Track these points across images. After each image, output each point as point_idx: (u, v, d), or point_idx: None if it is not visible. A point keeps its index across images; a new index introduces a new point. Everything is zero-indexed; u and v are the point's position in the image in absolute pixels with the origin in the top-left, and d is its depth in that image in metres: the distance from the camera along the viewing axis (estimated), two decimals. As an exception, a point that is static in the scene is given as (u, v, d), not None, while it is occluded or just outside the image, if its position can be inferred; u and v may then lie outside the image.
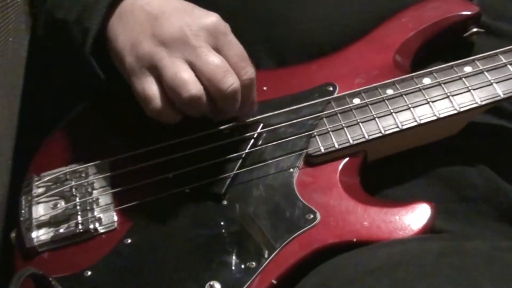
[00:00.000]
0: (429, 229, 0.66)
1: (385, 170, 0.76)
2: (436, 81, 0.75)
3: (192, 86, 0.65)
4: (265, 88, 0.79)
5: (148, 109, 0.68)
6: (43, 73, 0.88)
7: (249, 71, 0.69)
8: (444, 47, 0.84)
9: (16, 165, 0.79)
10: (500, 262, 0.57)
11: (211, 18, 0.68)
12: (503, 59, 0.76)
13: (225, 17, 0.71)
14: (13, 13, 0.80)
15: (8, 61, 0.79)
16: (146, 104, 0.68)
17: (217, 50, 0.68)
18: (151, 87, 0.67)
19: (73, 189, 0.74)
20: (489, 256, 0.58)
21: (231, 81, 0.67)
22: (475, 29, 0.83)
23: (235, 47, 0.69)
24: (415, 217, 0.67)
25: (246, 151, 0.74)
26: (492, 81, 0.74)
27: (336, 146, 0.72)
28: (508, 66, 0.75)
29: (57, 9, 0.77)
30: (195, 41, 0.67)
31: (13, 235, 0.73)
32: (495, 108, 0.76)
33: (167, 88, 0.66)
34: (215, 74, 0.66)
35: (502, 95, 0.73)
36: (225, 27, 0.69)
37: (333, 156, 0.72)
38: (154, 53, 0.67)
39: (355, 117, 0.74)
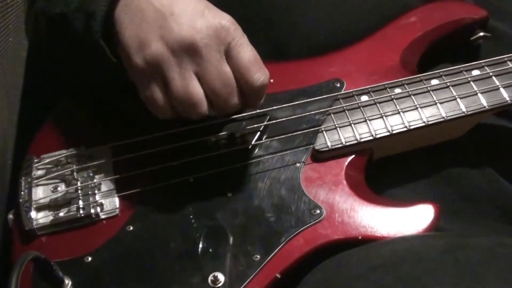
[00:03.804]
0: (433, 230, 0.67)
1: (388, 169, 0.76)
2: (444, 82, 0.75)
3: (199, 105, 0.66)
4: (272, 80, 0.78)
5: (152, 111, 0.69)
6: (43, 72, 0.85)
7: (261, 77, 0.67)
8: (450, 48, 0.84)
9: (16, 165, 0.78)
10: (505, 258, 0.57)
11: (222, 22, 0.66)
12: (510, 65, 0.76)
13: None
14: (13, 13, 0.79)
15: (8, 61, 0.78)
16: (151, 108, 0.68)
17: (228, 54, 0.67)
18: (157, 95, 0.67)
19: (74, 173, 0.72)
20: (493, 251, 0.59)
21: (234, 101, 0.67)
22: (481, 33, 0.84)
23: (247, 52, 0.67)
24: (420, 217, 0.67)
25: (253, 143, 0.73)
26: (499, 86, 0.74)
27: (343, 142, 0.72)
28: (517, 72, 0.76)
29: (53, 5, 0.73)
30: (205, 51, 0.65)
31: (10, 216, 0.71)
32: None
33: (174, 100, 0.66)
34: (220, 93, 0.66)
35: (509, 101, 0.73)
36: (235, 30, 0.67)
37: (339, 152, 0.72)
38: (163, 60, 0.65)
39: (363, 114, 0.74)
